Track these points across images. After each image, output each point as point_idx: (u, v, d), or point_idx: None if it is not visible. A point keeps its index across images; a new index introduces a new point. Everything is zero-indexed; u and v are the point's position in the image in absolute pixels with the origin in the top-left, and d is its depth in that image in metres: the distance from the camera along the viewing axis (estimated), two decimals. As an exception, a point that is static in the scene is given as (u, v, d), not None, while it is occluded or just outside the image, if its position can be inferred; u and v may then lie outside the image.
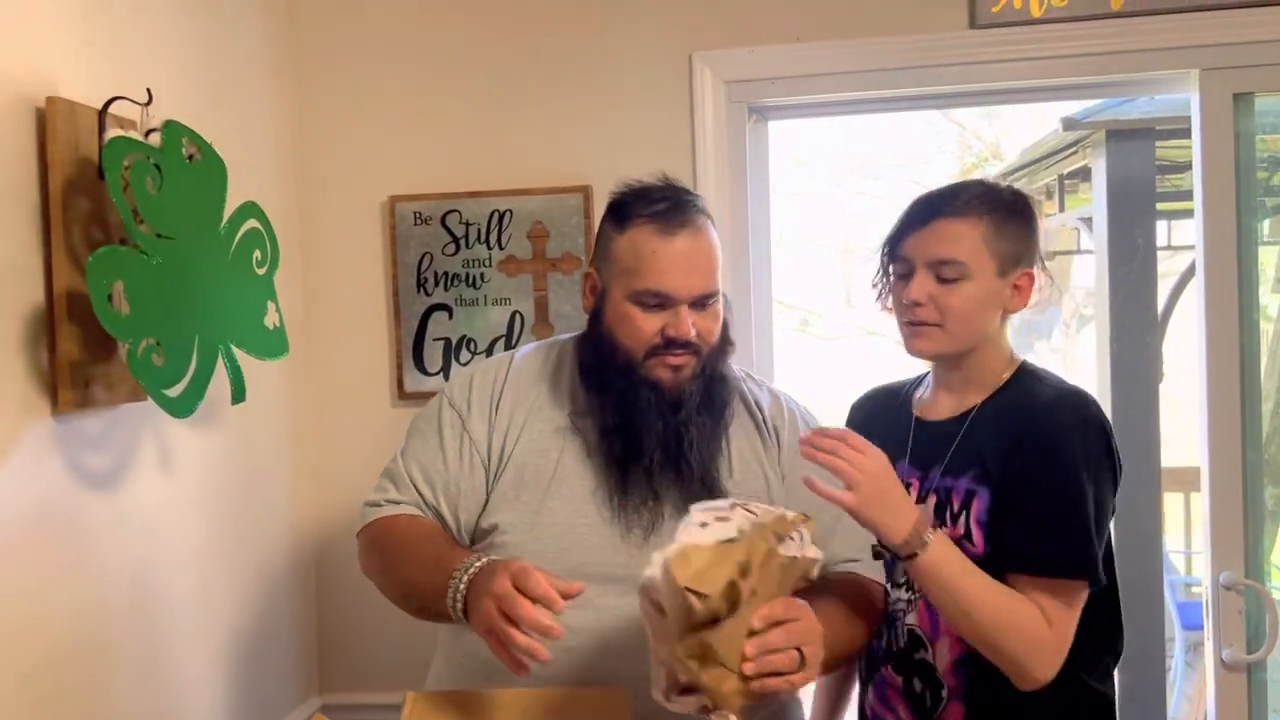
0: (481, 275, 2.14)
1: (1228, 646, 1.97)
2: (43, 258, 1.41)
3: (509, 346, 2.11)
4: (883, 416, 1.60)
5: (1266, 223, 2.12)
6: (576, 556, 1.39)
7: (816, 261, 7.61)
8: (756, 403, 1.52)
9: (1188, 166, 3.39)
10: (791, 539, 1.18)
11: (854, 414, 1.67)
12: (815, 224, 7.48)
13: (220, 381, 1.57)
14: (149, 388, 1.43)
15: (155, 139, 1.46)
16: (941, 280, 1.43)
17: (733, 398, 1.48)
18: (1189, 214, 3.62)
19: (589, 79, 2.11)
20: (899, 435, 1.53)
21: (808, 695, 1.60)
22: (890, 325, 1.53)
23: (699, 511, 1.18)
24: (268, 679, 2.04)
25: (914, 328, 1.46)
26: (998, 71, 2.02)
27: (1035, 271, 1.47)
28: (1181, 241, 4.42)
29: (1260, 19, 1.92)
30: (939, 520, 1.44)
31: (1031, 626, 1.34)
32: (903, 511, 1.32)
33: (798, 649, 1.16)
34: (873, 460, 1.31)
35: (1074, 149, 3.90)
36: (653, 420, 1.39)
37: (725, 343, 1.46)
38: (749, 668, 1.13)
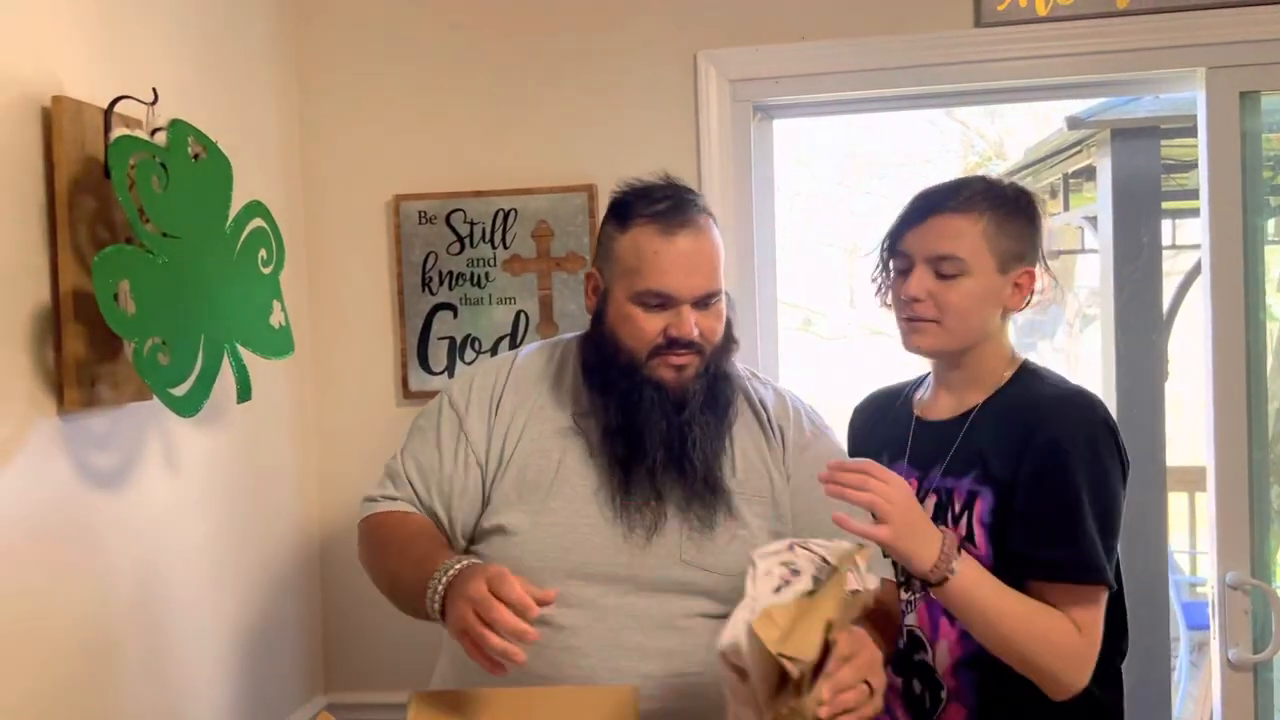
0: (486, 274, 2.14)
1: (1234, 646, 1.97)
2: (48, 257, 1.41)
3: (513, 346, 2.11)
4: (884, 419, 1.59)
5: (1272, 222, 2.12)
6: (578, 556, 1.40)
7: (819, 261, 7.61)
8: (761, 401, 1.51)
9: (1193, 165, 3.39)
10: (852, 573, 1.16)
11: (855, 418, 1.66)
12: (818, 224, 7.47)
13: (226, 381, 1.57)
14: (155, 387, 1.43)
15: (161, 138, 1.46)
16: (940, 276, 1.42)
17: (736, 397, 1.48)
18: (1194, 213, 3.62)
19: (594, 78, 2.11)
20: (899, 435, 1.53)
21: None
22: (893, 325, 1.52)
23: (763, 559, 1.15)
24: (273, 678, 2.04)
25: (912, 324, 1.45)
26: (1003, 70, 2.01)
27: (1037, 270, 1.46)
28: (1186, 240, 4.41)
29: (1267, 17, 1.92)
30: (939, 521, 1.43)
31: (1062, 637, 1.33)
32: (931, 538, 1.30)
33: (865, 681, 1.15)
34: (898, 489, 1.29)
35: (1079, 148, 3.90)
36: (656, 420, 1.39)
37: (729, 341, 1.46)
38: (825, 711, 1.10)
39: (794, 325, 7.07)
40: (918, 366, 1.60)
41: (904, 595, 1.49)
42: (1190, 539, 4.75)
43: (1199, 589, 4.45)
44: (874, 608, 1.41)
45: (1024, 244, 1.44)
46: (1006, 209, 1.43)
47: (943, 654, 1.44)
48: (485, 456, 1.46)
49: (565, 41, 2.12)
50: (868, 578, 1.16)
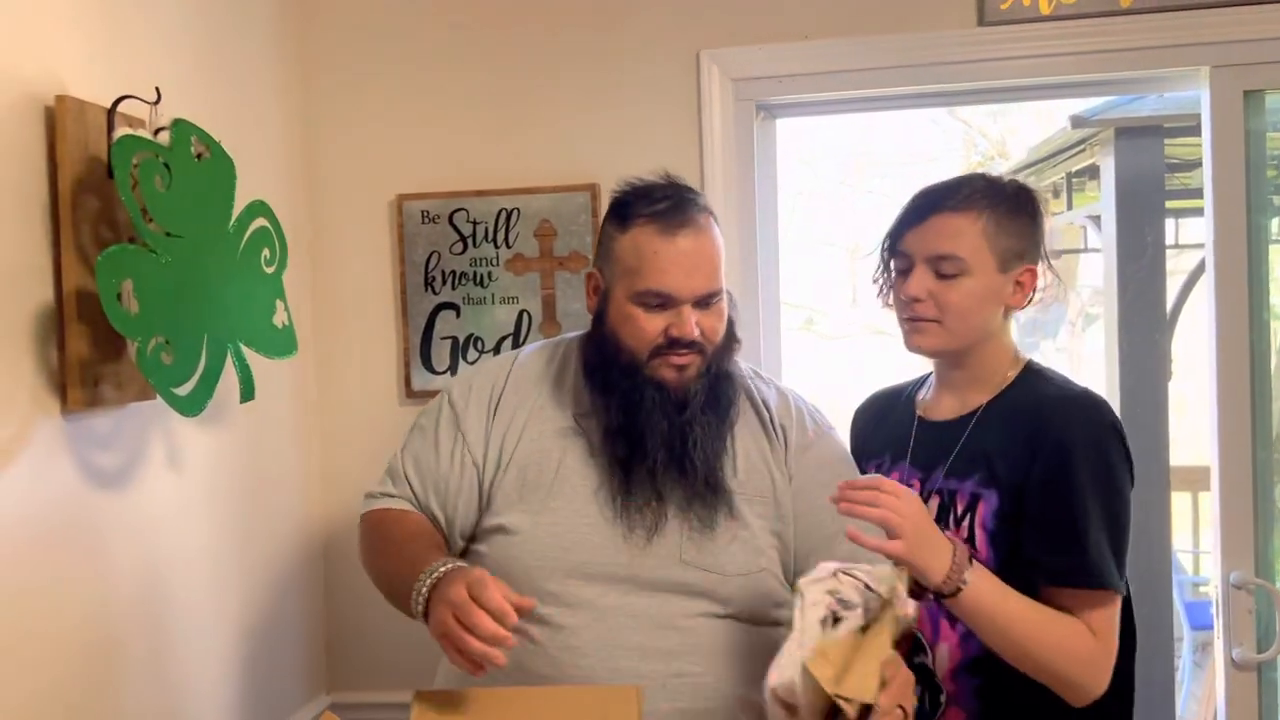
0: (489, 274, 2.14)
1: (1238, 646, 1.96)
2: (52, 257, 1.41)
3: (516, 345, 2.11)
4: (886, 419, 1.58)
5: (1276, 220, 2.11)
6: (578, 556, 1.40)
7: (821, 260, 7.60)
8: (763, 401, 1.51)
9: (1196, 164, 3.39)
10: (896, 599, 1.16)
11: (857, 418, 1.65)
12: (820, 223, 7.47)
13: (229, 380, 1.57)
14: (158, 386, 1.43)
15: (164, 137, 1.46)
16: (940, 276, 1.41)
17: (738, 396, 1.47)
18: (1197, 212, 3.61)
19: (596, 77, 2.11)
20: (901, 435, 1.52)
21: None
22: (895, 324, 1.51)
23: (810, 588, 1.15)
24: (276, 677, 2.04)
25: (913, 324, 1.44)
26: (1006, 69, 2.01)
27: (1039, 268, 1.44)
28: (1189, 240, 4.40)
29: (1271, 15, 1.91)
30: (941, 523, 1.42)
31: (1079, 642, 1.32)
32: (943, 550, 1.29)
33: (899, 706, 1.15)
34: (909, 503, 1.28)
35: (1082, 147, 3.89)
36: (657, 420, 1.39)
37: (730, 341, 1.45)
38: None
39: (796, 325, 7.06)
40: (920, 366, 1.59)
41: None
42: (1193, 538, 4.74)
43: (1202, 588, 4.44)
44: None
45: (1025, 242, 1.43)
46: (1006, 206, 1.42)
47: (943, 658, 1.43)
48: (482, 457, 1.47)
49: (568, 41, 2.11)
50: (908, 602, 1.16)
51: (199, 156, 1.51)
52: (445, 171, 2.15)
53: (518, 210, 2.12)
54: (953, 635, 1.43)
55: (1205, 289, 2.02)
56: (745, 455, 1.46)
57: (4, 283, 1.33)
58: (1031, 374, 1.47)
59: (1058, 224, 4.48)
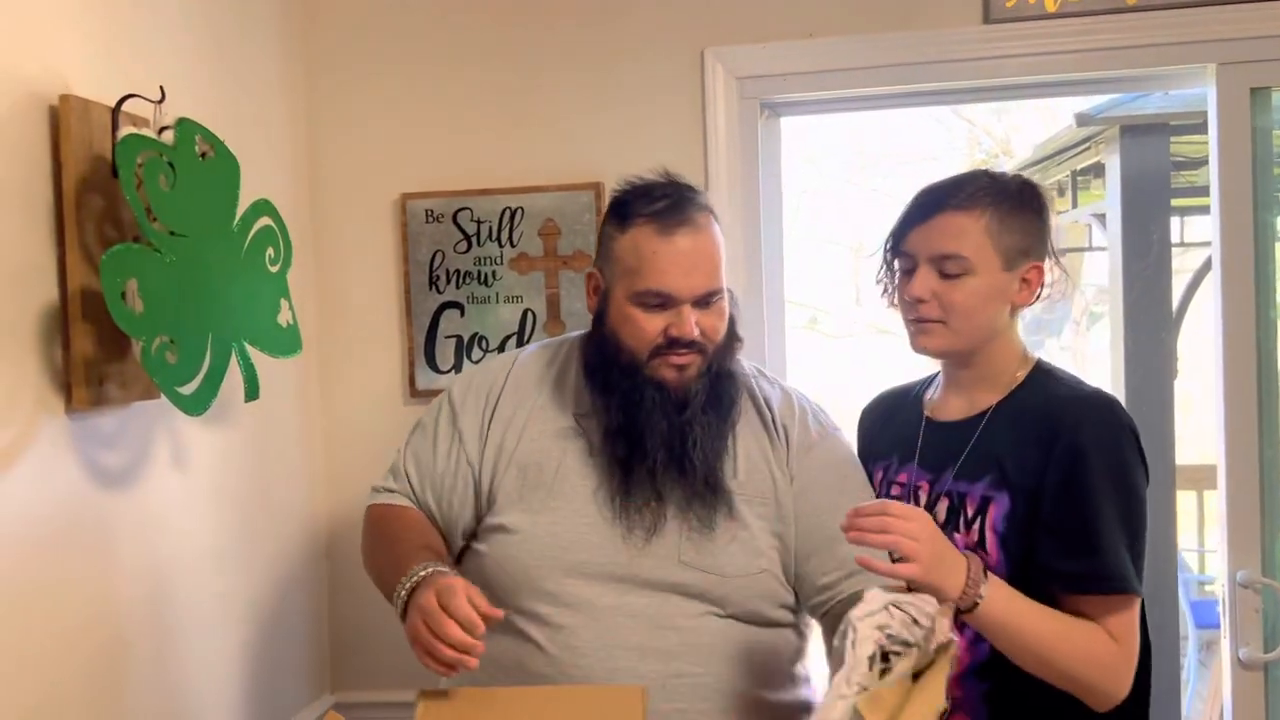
0: (493, 273, 2.13)
1: (1244, 645, 1.96)
2: (56, 256, 1.41)
3: (521, 344, 2.11)
4: (893, 419, 1.56)
5: (1283, 218, 2.11)
6: (576, 555, 1.40)
7: (825, 259, 7.60)
8: (766, 401, 1.50)
9: (1202, 162, 3.38)
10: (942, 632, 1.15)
11: (864, 418, 1.63)
12: (824, 222, 7.46)
13: (233, 379, 1.57)
14: (163, 385, 1.43)
15: (168, 136, 1.46)
16: (944, 276, 1.39)
17: (740, 396, 1.46)
18: (1203, 210, 3.61)
19: (600, 76, 2.10)
20: (908, 436, 1.50)
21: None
22: (898, 323, 1.50)
23: (861, 622, 1.13)
24: (280, 677, 2.04)
25: (918, 325, 1.43)
26: (1012, 67, 2.00)
27: (1046, 264, 1.42)
28: (1195, 238, 4.40)
29: (1278, 12, 1.91)
30: (951, 525, 1.41)
31: (1100, 649, 1.30)
32: (958, 566, 1.26)
33: None
34: (918, 524, 1.25)
35: (1087, 145, 3.88)
36: (657, 420, 1.39)
37: (732, 340, 1.45)
38: None
39: (800, 324, 7.06)
40: (924, 365, 1.58)
41: None
42: (1198, 537, 4.73)
43: (1207, 587, 4.43)
44: None
45: (1030, 239, 1.41)
46: (1010, 204, 1.40)
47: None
48: (477, 456, 1.47)
49: (572, 40, 2.11)
50: (950, 635, 1.15)
51: (203, 155, 1.50)
52: (449, 170, 2.15)
53: (522, 209, 2.12)
54: (960, 639, 1.41)
55: (1211, 287, 2.01)
56: (746, 455, 1.46)
57: (9, 282, 1.33)
58: (1041, 374, 1.45)
59: (1063, 222, 4.48)
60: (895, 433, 1.54)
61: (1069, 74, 2.02)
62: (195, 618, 1.75)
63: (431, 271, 2.15)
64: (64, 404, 1.42)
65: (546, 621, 1.39)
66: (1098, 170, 4.11)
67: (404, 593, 1.31)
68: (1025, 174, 1.55)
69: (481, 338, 2.15)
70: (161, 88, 1.52)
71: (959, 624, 1.38)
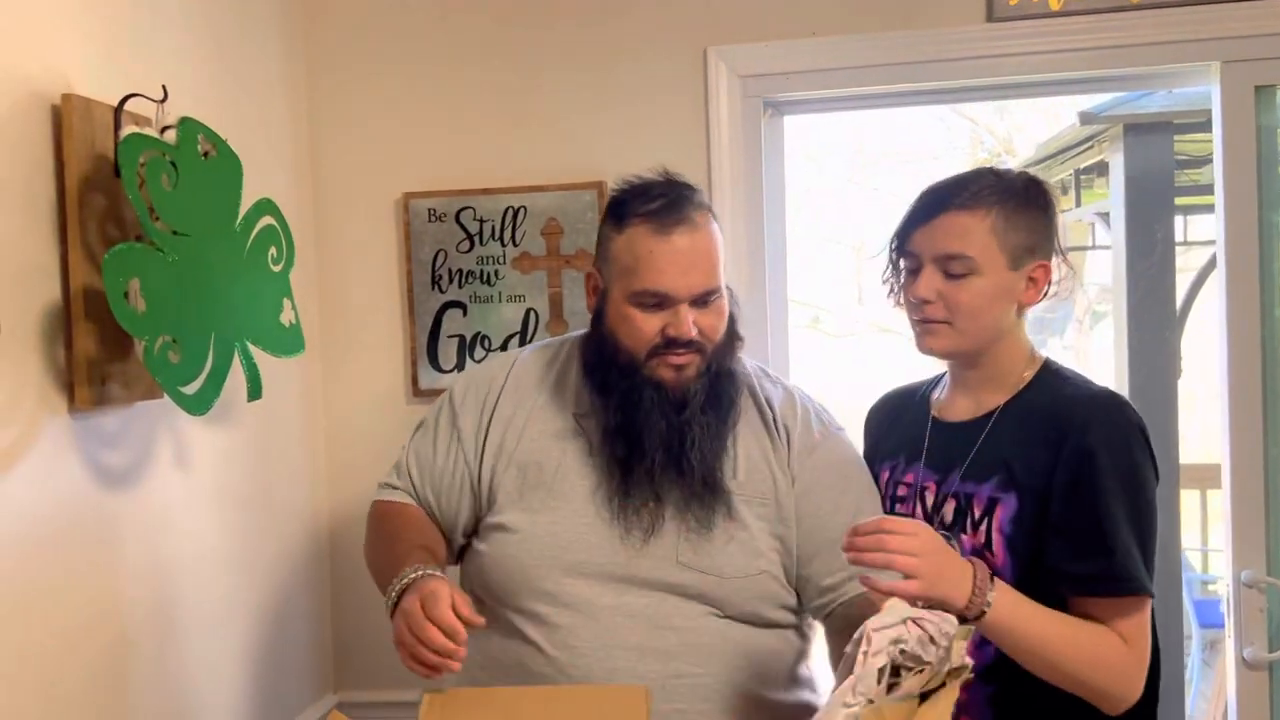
0: (496, 272, 2.13)
1: (1249, 645, 1.95)
2: (59, 255, 1.41)
3: (524, 343, 2.11)
4: (900, 419, 1.55)
5: (1287, 217, 2.10)
6: (574, 555, 1.40)
7: (827, 258, 7.58)
8: (768, 401, 1.49)
9: (1206, 160, 3.37)
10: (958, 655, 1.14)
11: (871, 418, 1.62)
12: (826, 221, 7.45)
13: (236, 379, 1.57)
14: (165, 385, 1.43)
15: (171, 136, 1.46)
16: (949, 276, 1.38)
17: (740, 396, 1.46)
18: (1206, 209, 3.60)
19: (603, 74, 2.10)
20: (915, 436, 1.49)
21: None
22: (901, 322, 1.49)
23: (877, 634, 1.12)
24: (284, 676, 2.04)
25: (924, 326, 1.42)
26: (1015, 65, 2.00)
27: (1052, 263, 1.41)
28: (1198, 236, 4.39)
29: (1283, 10, 1.90)
30: (958, 526, 1.40)
31: (1111, 653, 1.29)
32: (962, 577, 1.25)
33: None
34: (918, 540, 1.23)
35: (1090, 143, 3.88)
36: (655, 420, 1.39)
37: (732, 339, 1.44)
38: None
39: (802, 323, 7.05)
40: (928, 365, 1.57)
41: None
42: (1202, 536, 4.73)
43: (1210, 587, 4.43)
44: None
45: (1036, 237, 1.39)
46: (1015, 202, 1.39)
47: None
48: (474, 455, 1.48)
49: (574, 38, 2.11)
50: (966, 658, 1.14)
51: (205, 155, 1.50)
52: (452, 170, 2.15)
53: (524, 208, 2.11)
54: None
55: (1215, 286, 2.01)
56: (746, 456, 1.45)
57: (11, 282, 1.33)
58: (1049, 373, 1.43)
59: (1066, 221, 4.47)
60: (902, 433, 1.53)
61: (1072, 72, 2.01)
62: (198, 617, 1.75)
63: (434, 271, 2.15)
64: (66, 403, 1.42)
65: (545, 621, 1.39)
66: (1101, 169, 4.10)
67: (394, 594, 1.32)
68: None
69: (484, 337, 2.15)
70: (164, 87, 1.52)
71: None
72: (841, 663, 1.15)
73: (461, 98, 2.15)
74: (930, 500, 1.44)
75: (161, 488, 1.64)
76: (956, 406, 1.48)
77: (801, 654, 1.49)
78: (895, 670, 1.10)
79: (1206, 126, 2.04)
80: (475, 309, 2.14)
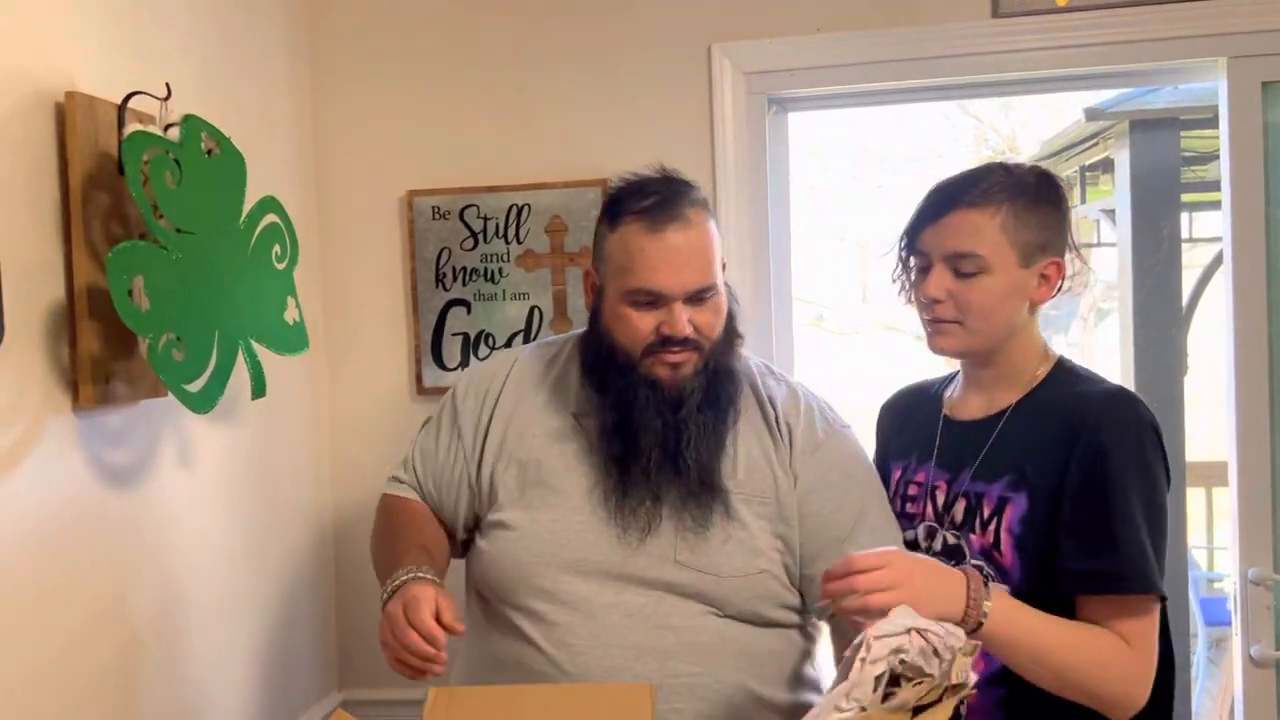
0: (500, 270, 2.13)
1: (1256, 643, 1.95)
2: (63, 253, 1.41)
3: (527, 341, 2.11)
4: (912, 417, 1.54)
5: (1295, 213, 2.09)
6: (572, 553, 1.40)
7: (831, 256, 7.58)
8: (770, 399, 1.48)
9: (1212, 157, 3.36)
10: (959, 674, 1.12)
11: (883, 415, 1.61)
12: (830, 218, 7.44)
13: (240, 377, 1.57)
14: (169, 383, 1.43)
15: (174, 133, 1.45)
16: (960, 275, 1.35)
17: (739, 394, 1.45)
18: (1212, 205, 3.59)
19: (607, 72, 2.10)
20: (927, 434, 1.48)
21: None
22: (906, 320, 1.48)
23: (879, 641, 1.10)
24: (289, 674, 2.04)
25: (935, 325, 1.40)
26: (1021, 61, 1.99)
27: (1065, 259, 1.39)
28: (1204, 233, 4.38)
29: (1290, 6, 1.90)
30: (967, 526, 1.38)
31: (1115, 656, 1.26)
32: (954, 592, 1.22)
33: None
34: (891, 570, 1.19)
35: (1095, 140, 3.87)
36: (651, 419, 1.38)
37: (731, 336, 1.43)
38: None
39: (806, 321, 7.04)
40: (934, 364, 1.56)
41: None
42: (1208, 534, 4.72)
43: (1216, 585, 4.42)
44: None
45: (1048, 233, 1.37)
46: (1026, 198, 1.36)
47: None
48: (474, 453, 1.49)
49: (578, 36, 2.11)
50: (970, 674, 1.12)
51: (209, 152, 1.50)
52: (455, 167, 2.14)
53: (528, 206, 2.11)
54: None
55: (1222, 283, 2.00)
56: (746, 454, 1.44)
57: (16, 280, 1.33)
58: (1063, 371, 1.41)
59: (1072, 217, 4.46)
60: (914, 431, 1.51)
61: (1078, 68, 2.00)
62: (203, 615, 1.75)
63: (438, 268, 2.14)
64: (71, 402, 1.42)
65: (543, 619, 1.39)
66: (1107, 165, 4.09)
67: (385, 596, 1.35)
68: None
69: (488, 335, 2.14)
70: (167, 84, 1.52)
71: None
72: (840, 666, 1.14)
73: (465, 96, 2.15)
74: (941, 499, 1.43)
75: (166, 486, 1.64)
76: (969, 405, 1.46)
77: (806, 654, 1.49)
78: (894, 679, 1.09)
79: (1213, 122, 2.03)
80: (479, 307, 2.14)
